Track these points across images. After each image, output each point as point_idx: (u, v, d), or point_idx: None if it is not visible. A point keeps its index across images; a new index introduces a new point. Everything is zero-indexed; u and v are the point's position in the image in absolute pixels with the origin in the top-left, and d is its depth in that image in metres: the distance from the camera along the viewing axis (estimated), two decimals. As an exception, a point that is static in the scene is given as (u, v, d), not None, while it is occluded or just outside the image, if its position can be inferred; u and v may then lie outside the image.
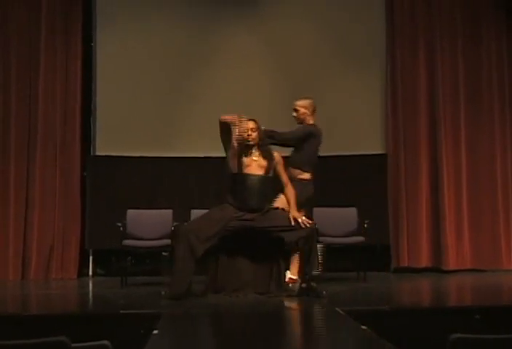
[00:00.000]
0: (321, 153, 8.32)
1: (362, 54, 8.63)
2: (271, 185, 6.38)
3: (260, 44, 8.61)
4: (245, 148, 6.32)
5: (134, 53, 8.47)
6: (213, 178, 8.14)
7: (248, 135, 6.33)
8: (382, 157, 8.50)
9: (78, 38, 8.35)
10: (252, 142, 6.33)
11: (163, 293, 6.15)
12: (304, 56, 8.58)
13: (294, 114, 6.82)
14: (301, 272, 6.41)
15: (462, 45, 8.49)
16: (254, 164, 6.31)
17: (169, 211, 7.72)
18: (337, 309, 5.37)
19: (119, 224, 7.46)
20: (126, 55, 8.46)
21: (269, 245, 6.34)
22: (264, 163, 6.32)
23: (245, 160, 6.30)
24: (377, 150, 8.58)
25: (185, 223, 6.63)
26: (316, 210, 7.71)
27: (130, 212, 7.72)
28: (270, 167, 6.32)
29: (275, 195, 6.52)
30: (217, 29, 8.54)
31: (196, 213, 7.18)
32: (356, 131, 8.55)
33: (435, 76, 8.42)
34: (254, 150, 6.35)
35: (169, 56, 8.50)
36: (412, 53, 8.48)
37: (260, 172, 6.29)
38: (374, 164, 8.52)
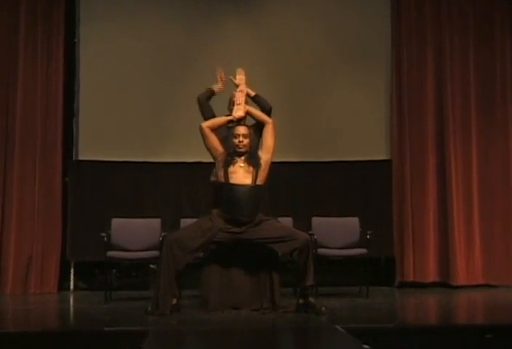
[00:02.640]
0: (321, 159, 8.35)
1: (365, 54, 8.62)
2: (261, 194, 6.39)
3: (256, 42, 8.59)
4: (233, 155, 6.34)
5: (120, 50, 8.44)
6: (205, 185, 8.07)
7: (239, 141, 6.34)
8: (386, 163, 8.49)
9: (61, 34, 8.30)
10: (243, 150, 6.36)
11: (148, 309, 6.16)
12: (303, 56, 8.58)
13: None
14: (297, 287, 6.42)
15: (474, 42, 8.49)
16: (241, 171, 6.33)
17: (157, 220, 7.71)
18: (337, 327, 5.37)
19: (103, 234, 7.44)
20: (112, 52, 8.43)
21: (262, 258, 6.36)
22: (250, 169, 6.34)
23: (231, 167, 6.31)
24: (380, 156, 8.58)
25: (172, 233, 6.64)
26: (315, 220, 7.75)
27: (115, 221, 7.71)
28: (258, 173, 6.32)
29: (264, 205, 6.51)
30: (209, 26, 8.52)
31: (186, 222, 7.18)
32: (359, 135, 8.54)
33: (443, 77, 8.42)
34: (242, 157, 6.36)
35: (158, 53, 8.47)
36: (419, 52, 8.48)
37: (248, 181, 6.30)
38: (378, 171, 8.51)
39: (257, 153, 6.42)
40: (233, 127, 6.47)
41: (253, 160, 6.36)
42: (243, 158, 6.36)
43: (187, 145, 8.29)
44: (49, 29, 8.29)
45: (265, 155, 6.40)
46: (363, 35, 8.62)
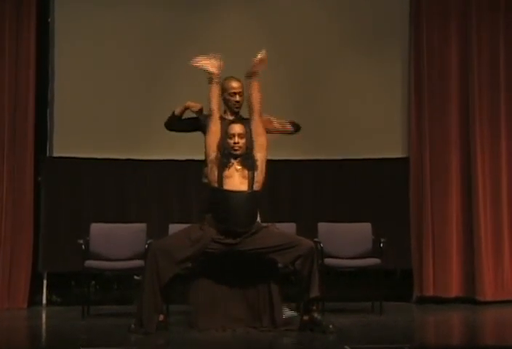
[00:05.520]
0: (328, 157, 8.34)
1: (379, 36, 8.61)
2: (258, 201, 6.37)
3: (255, 23, 8.59)
4: (228, 156, 6.30)
5: (101, 32, 8.44)
6: (196, 185, 8.07)
7: (234, 143, 6.29)
8: (403, 162, 8.49)
9: (32, 12, 8.24)
10: (239, 152, 6.32)
11: (132, 326, 6.14)
12: (309, 39, 8.59)
13: (239, 99, 6.71)
14: (301, 300, 6.39)
15: (504, 22, 8.43)
16: (237, 176, 6.30)
17: (143, 226, 7.70)
18: (346, 348, 5.37)
19: (81, 241, 7.43)
20: (91, 34, 8.42)
21: (259, 269, 6.34)
22: (247, 173, 6.30)
23: (226, 171, 6.27)
24: (397, 153, 8.58)
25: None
26: (322, 225, 7.73)
27: (94, 227, 7.70)
28: (254, 177, 6.29)
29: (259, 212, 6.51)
30: (203, 8, 8.50)
31: (175, 228, 7.14)
32: (372, 130, 8.57)
33: (469, 62, 8.37)
34: (237, 160, 6.32)
35: (144, 34, 8.45)
36: (441, 34, 8.44)
37: (244, 186, 6.27)
38: (394, 171, 8.51)
39: (252, 153, 6.38)
40: (228, 126, 6.42)
41: (249, 162, 6.34)
42: (238, 160, 6.32)
43: (177, 141, 8.23)
44: (20, 6, 8.21)
45: (259, 154, 6.35)
46: (377, 15, 8.61)
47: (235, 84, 6.67)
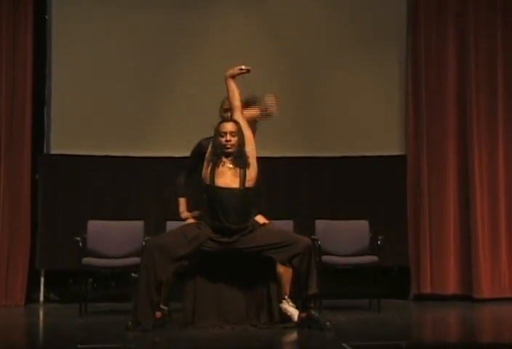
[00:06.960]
0: (326, 154, 8.33)
1: (378, 35, 8.63)
2: (251, 198, 6.32)
3: (255, 26, 8.60)
4: (219, 155, 6.26)
5: (99, 30, 8.42)
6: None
7: (226, 141, 6.25)
8: (400, 159, 8.50)
9: (29, 11, 8.26)
10: (231, 150, 6.26)
11: (129, 324, 6.10)
12: (308, 38, 8.60)
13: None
14: (299, 298, 6.35)
15: (502, 21, 8.43)
16: (229, 174, 6.24)
17: (140, 223, 7.71)
18: (343, 345, 5.33)
19: (78, 238, 7.43)
20: (89, 32, 8.40)
21: (257, 267, 6.31)
22: (238, 170, 6.24)
23: (218, 168, 6.24)
24: (394, 150, 8.58)
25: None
26: (320, 223, 7.73)
27: (92, 224, 7.70)
28: (246, 174, 6.24)
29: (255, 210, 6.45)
30: (202, 7, 8.50)
31: (172, 225, 7.13)
32: (369, 127, 8.57)
33: (467, 61, 8.39)
34: (229, 158, 6.26)
35: (142, 31, 8.44)
36: (438, 34, 8.46)
37: (236, 184, 6.22)
38: (391, 168, 8.52)
39: (244, 150, 6.30)
40: (219, 124, 6.36)
41: (241, 160, 6.27)
42: (230, 158, 6.27)
43: (175, 138, 8.29)
44: (16, 2, 8.22)
45: (249, 148, 6.31)
46: (376, 16, 8.63)
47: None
